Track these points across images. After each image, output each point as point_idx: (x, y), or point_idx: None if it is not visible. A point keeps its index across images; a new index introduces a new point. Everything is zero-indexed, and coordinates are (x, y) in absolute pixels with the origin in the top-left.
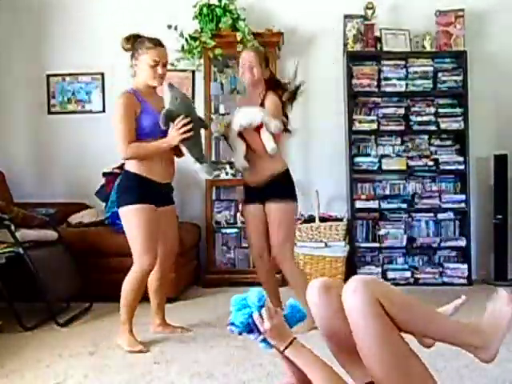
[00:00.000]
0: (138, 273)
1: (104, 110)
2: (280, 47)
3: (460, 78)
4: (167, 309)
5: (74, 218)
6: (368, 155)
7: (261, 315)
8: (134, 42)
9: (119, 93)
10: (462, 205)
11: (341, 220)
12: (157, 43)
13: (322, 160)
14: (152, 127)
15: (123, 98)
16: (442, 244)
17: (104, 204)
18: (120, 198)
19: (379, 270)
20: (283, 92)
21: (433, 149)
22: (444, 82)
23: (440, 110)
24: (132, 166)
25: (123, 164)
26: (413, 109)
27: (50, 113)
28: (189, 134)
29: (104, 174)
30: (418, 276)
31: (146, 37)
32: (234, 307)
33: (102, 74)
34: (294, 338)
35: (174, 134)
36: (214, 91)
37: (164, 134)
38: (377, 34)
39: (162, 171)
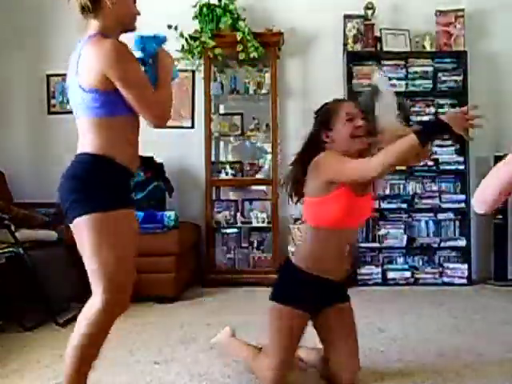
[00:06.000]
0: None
1: None
2: (280, 47)
3: (460, 78)
4: (167, 308)
5: None
6: None
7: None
8: None
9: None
10: (462, 205)
11: None
12: None
13: None
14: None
15: (120, 43)
16: (442, 244)
17: None
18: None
19: (379, 269)
20: None
21: (433, 149)
22: (444, 81)
23: (440, 110)
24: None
25: None
26: (413, 109)
27: (49, 113)
28: None
29: None
30: (418, 276)
31: None
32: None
33: None
34: None
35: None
36: (214, 91)
37: None
38: (377, 33)
39: (135, 154)
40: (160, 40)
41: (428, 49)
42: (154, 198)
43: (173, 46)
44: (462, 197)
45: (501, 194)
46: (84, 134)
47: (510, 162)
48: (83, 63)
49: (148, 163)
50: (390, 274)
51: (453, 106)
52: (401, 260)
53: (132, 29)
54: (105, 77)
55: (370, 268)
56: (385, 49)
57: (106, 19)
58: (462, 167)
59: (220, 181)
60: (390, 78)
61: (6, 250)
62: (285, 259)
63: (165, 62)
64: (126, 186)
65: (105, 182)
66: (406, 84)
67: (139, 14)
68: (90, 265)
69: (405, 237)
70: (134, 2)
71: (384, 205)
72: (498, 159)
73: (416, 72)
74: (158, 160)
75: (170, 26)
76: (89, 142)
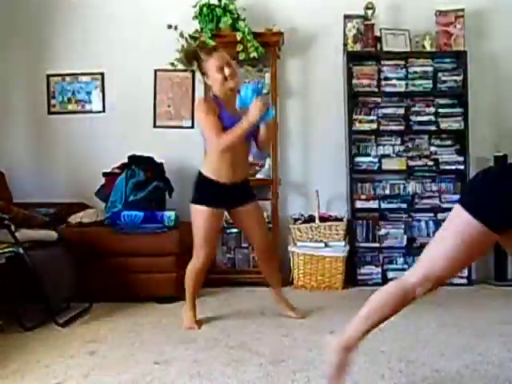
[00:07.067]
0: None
1: (104, 110)
2: (280, 47)
3: (460, 77)
4: (167, 308)
5: (74, 218)
6: (368, 155)
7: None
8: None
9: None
10: None
11: (341, 220)
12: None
13: (322, 160)
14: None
15: (202, 100)
16: None
17: (104, 204)
18: (192, 195)
19: (379, 269)
20: None
21: (433, 149)
22: (444, 81)
23: (440, 110)
24: (203, 169)
25: (123, 164)
26: (413, 109)
27: (49, 113)
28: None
29: (104, 174)
30: None
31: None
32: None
33: (102, 74)
34: None
35: (257, 109)
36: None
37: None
38: (377, 33)
39: (231, 173)
40: (259, 91)
41: (428, 49)
42: (154, 198)
43: (173, 46)
44: None
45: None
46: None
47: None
48: None
49: (148, 163)
50: (390, 274)
51: (453, 105)
52: (401, 260)
53: (229, 87)
54: None
55: (369, 268)
56: (385, 49)
57: (212, 88)
58: (461, 167)
59: None
60: (389, 78)
61: (6, 250)
62: None
63: (251, 112)
64: (214, 193)
65: (202, 190)
66: (406, 84)
67: (226, 78)
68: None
69: (405, 237)
70: (221, 70)
71: (384, 205)
72: (497, 159)
73: (416, 72)
74: (158, 160)
75: (170, 26)
76: (202, 163)
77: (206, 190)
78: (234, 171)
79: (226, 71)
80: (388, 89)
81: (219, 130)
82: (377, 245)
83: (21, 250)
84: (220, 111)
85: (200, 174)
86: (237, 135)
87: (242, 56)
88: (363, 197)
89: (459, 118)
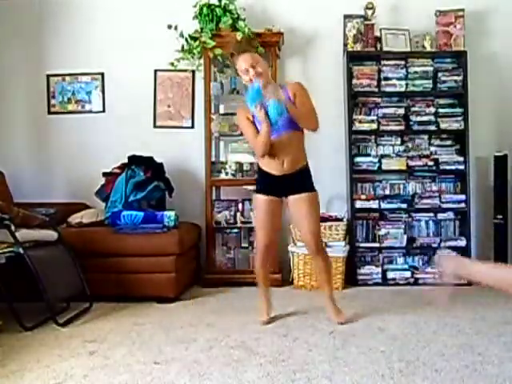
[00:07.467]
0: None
1: (104, 110)
2: (280, 47)
3: (460, 78)
4: (167, 308)
5: (74, 218)
6: (368, 155)
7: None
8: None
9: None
10: (462, 205)
11: (341, 220)
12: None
13: (321, 160)
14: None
15: (238, 109)
16: (442, 244)
17: (104, 204)
18: None
19: (379, 269)
20: None
21: (433, 149)
22: (444, 81)
23: (440, 110)
24: (259, 162)
25: (123, 164)
26: (413, 109)
27: (50, 113)
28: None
29: (104, 174)
30: (418, 276)
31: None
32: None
33: (102, 74)
34: None
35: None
36: (214, 91)
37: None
38: (377, 34)
39: (280, 165)
40: (253, 94)
41: (428, 49)
42: (153, 198)
43: (173, 46)
44: (462, 197)
45: None
46: None
47: None
48: None
49: (148, 163)
50: (390, 274)
51: (453, 105)
52: (401, 260)
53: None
54: None
55: (370, 268)
56: (385, 49)
57: None
58: (461, 167)
59: (220, 181)
60: (389, 78)
61: (5, 250)
62: None
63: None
64: (267, 183)
65: (259, 180)
66: (406, 84)
67: (251, 80)
68: None
69: (405, 237)
70: (246, 72)
71: (384, 205)
72: (497, 159)
73: (416, 72)
74: (158, 160)
75: (170, 26)
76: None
77: (261, 181)
78: (283, 163)
79: (251, 73)
80: (388, 89)
81: (253, 136)
82: (377, 245)
83: (21, 250)
84: (251, 114)
85: (258, 167)
86: (261, 140)
87: None
88: (363, 197)
89: (459, 118)
